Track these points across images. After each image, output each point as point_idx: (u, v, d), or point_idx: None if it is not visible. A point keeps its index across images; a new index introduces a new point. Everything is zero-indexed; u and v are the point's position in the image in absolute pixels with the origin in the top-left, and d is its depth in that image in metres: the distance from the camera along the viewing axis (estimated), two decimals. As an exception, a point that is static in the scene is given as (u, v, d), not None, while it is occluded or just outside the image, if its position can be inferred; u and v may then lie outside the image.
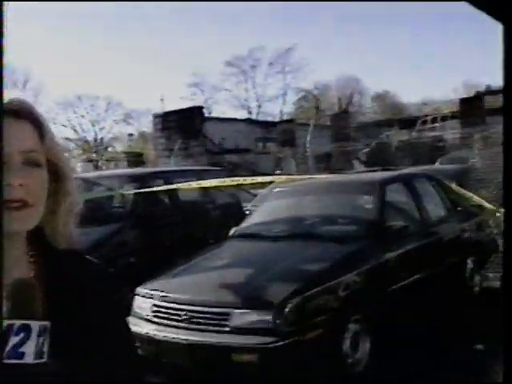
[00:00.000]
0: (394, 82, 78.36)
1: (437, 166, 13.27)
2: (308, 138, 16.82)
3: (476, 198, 6.63)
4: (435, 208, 6.22)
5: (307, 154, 16.08)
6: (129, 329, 1.15)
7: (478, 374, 4.55)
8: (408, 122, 31.94)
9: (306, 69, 69.48)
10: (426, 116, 30.07)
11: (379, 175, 6.43)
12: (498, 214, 6.34)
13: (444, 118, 28.95)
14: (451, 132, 22.37)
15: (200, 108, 31.12)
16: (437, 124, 28.33)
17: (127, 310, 4.49)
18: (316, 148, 25.18)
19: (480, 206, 6.67)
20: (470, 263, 6.39)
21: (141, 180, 7.47)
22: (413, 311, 5.17)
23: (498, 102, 20.36)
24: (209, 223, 7.65)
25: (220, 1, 47.84)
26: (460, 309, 5.85)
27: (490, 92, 28.17)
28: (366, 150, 27.22)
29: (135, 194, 6.97)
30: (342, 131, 29.31)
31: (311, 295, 4.17)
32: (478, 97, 27.40)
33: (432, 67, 69.20)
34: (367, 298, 4.54)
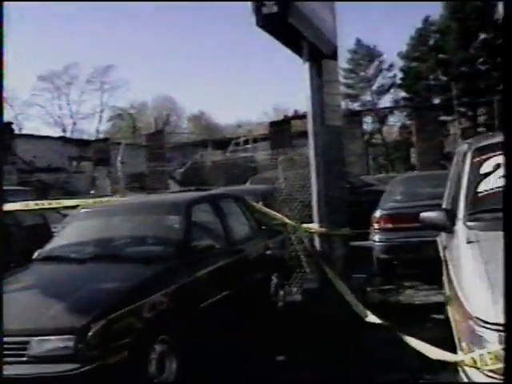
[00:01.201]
0: (210, 103, 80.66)
1: (247, 185, 13.94)
2: (119, 158, 16.60)
3: (279, 216, 7.11)
4: (241, 227, 6.54)
5: (118, 173, 15.86)
6: None
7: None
8: (222, 143, 33.12)
9: (124, 87, 68.67)
10: (239, 137, 31.50)
11: (187, 196, 6.60)
12: (298, 231, 6.86)
13: (256, 140, 30.53)
14: (262, 153, 23.68)
15: (9, 124, 29.17)
16: (249, 145, 29.81)
17: None
18: (131, 167, 24.96)
19: (283, 224, 7.15)
20: (274, 279, 6.80)
21: None
22: (221, 328, 5.37)
23: (303, 126, 21.91)
24: (12, 246, 7.20)
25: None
26: (265, 323, 6.19)
27: (297, 116, 30.19)
28: (181, 169, 27.66)
29: None
30: (157, 151, 29.40)
31: (116, 317, 4.13)
32: (286, 120, 29.28)
33: (246, 91, 72.50)
34: (174, 318, 4.62)
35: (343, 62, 40.32)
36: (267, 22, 5.12)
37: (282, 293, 6.99)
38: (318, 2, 6.00)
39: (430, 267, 5.45)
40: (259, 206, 7.34)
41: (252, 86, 78.32)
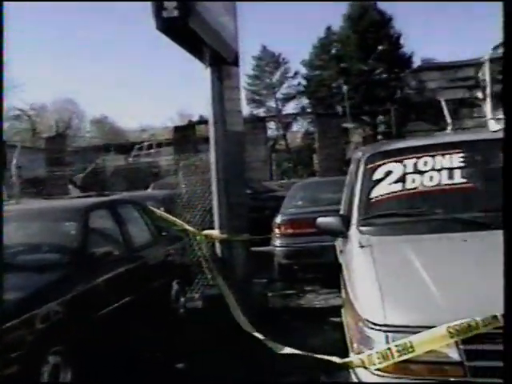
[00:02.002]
0: (114, 107, 78.94)
1: (149, 191, 13.77)
2: (14, 162, 15.86)
3: (179, 223, 7.07)
4: (140, 233, 6.45)
5: (13, 178, 15.15)
6: None
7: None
8: (125, 148, 32.48)
9: (21, 88, 65.80)
10: (143, 142, 31.04)
11: (84, 202, 6.44)
12: (198, 237, 6.85)
13: (160, 145, 30.20)
14: (165, 158, 23.46)
15: None
16: (152, 150, 29.44)
17: None
18: (28, 172, 23.90)
19: (184, 230, 7.12)
20: (175, 285, 6.75)
21: None
22: (119, 336, 5.26)
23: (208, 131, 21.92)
24: None
25: None
26: (165, 330, 6.14)
27: (202, 121, 30.13)
28: (82, 174, 26.83)
29: None
30: (57, 155, 28.35)
31: (6, 329, 3.94)
32: (191, 125, 29.17)
33: (152, 95, 71.59)
34: (69, 328, 4.47)
35: (249, 68, 40.90)
36: (167, 26, 5.09)
37: (182, 299, 6.95)
38: (219, 8, 6.04)
39: (329, 271, 5.62)
40: (160, 211, 7.26)
41: (157, 91, 77.46)
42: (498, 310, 2.49)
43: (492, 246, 3.25)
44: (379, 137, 28.85)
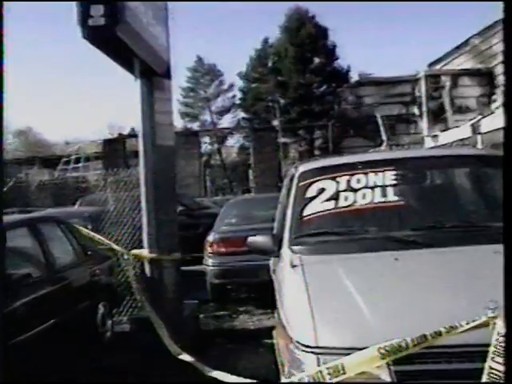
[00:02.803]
0: (39, 118, 76.95)
1: (76, 207, 13.46)
2: None
3: (106, 242, 6.93)
4: (64, 253, 6.28)
5: None
6: None
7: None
8: (51, 161, 31.66)
9: None
10: (70, 155, 30.35)
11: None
12: (127, 257, 6.74)
13: (88, 159, 29.62)
14: (94, 173, 23.02)
15: None
16: (80, 164, 28.83)
17: None
18: None
19: (111, 249, 6.98)
20: (101, 308, 6.60)
21: None
22: (42, 362, 5.09)
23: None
24: None
25: None
26: (92, 355, 5.98)
27: (133, 135, 29.79)
28: (4, 189, 25.95)
29: None
30: (-26, 168, 27.27)
31: None
32: (122, 139, 28.78)
33: (81, 107, 70.21)
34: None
35: (182, 80, 40.82)
36: (94, 35, 5.01)
37: (109, 322, 6.80)
38: (150, 18, 6.00)
39: (264, 291, 5.63)
40: (85, 230, 7.10)
41: (87, 102, 76.09)
42: (430, 329, 2.57)
43: (423, 265, 3.36)
44: (316, 152, 29.31)
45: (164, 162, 6.49)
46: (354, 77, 29.73)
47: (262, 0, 44.27)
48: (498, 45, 23.35)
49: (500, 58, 23.23)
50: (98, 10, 4.85)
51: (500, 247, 3.38)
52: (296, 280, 3.35)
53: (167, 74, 6.60)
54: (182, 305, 6.55)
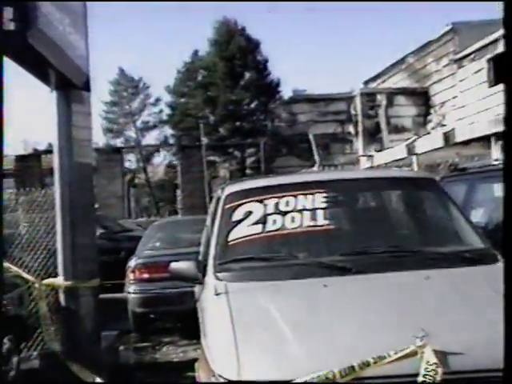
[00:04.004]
0: None
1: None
2: None
3: (14, 269, 6.71)
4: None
5: None
6: None
7: None
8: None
9: None
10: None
11: None
12: (37, 285, 6.54)
13: (-2, 176, 28.69)
14: (5, 192, 22.24)
15: None
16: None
17: None
18: None
19: (21, 277, 6.76)
20: (6, 342, 6.35)
21: None
22: None
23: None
24: None
25: None
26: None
27: (50, 151, 29.11)
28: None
29: None
30: None
31: None
32: (37, 155, 28.05)
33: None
34: None
35: (105, 93, 40.24)
36: (3, 42, 4.88)
37: (15, 359, 6.54)
38: (67, 25, 5.91)
39: (189, 320, 5.58)
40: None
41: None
42: (358, 359, 2.61)
43: (352, 292, 3.43)
44: (248, 171, 29.48)
45: (82, 181, 6.37)
46: (287, 93, 30.12)
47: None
48: (432, 64, 24.30)
49: (435, 77, 24.19)
50: (7, 13, 4.71)
51: (431, 272, 3.51)
52: (220, 309, 3.34)
53: (86, 87, 6.52)
54: (100, 336, 6.41)
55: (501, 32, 19.21)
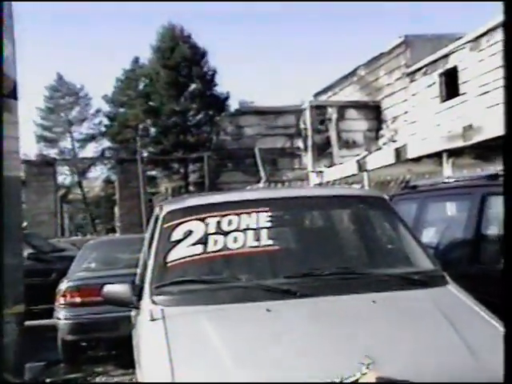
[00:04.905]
0: None
1: None
2: None
3: None
4: None
5: None
6: None
7: None
8: None
9: None
10: None
11: None
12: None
13: None
14: None
15: None
16: None
17: None
18: None
19: None
20: None
21: None
22: None
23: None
24: None
25: None
26: None
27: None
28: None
29: None
30: None
31: None
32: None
33: None
34: None
35: (40, 99, 39.65)
36: None
37: None
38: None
39: (126, 347, 5.49)
40: None
41: None
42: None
43: (297, 316, 3.44)
44: (191, 188, 29.39)
45: (7, 196, 6.21)
46: (234, 105, 30.14)
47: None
48: (384, 77, 24.80)
49: (387, 91, 24.70)
50: None
51: (378, 296, 3.55)
52: (155, 336, 3.30)
53: (13, 94, 6.39)
54: (24, 368, 6.24)
55: (452, 47, 19.82)
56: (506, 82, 1.82)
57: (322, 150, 26.28)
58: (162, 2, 50.06)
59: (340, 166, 20.40)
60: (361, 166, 16.79)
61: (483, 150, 13.12)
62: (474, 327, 3.29)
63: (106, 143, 38.73)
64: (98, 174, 38.21)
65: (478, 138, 12.41)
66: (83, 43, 67.03)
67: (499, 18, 17.44)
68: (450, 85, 20.12)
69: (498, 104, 16.90)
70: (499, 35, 17.55)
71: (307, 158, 26.79)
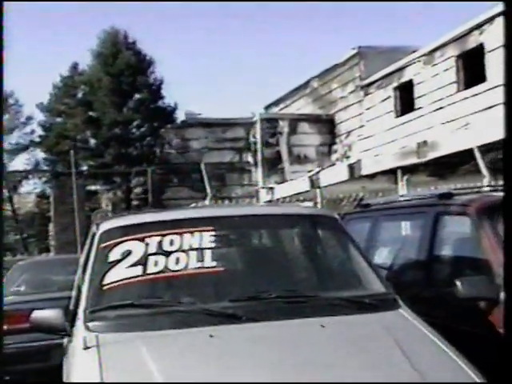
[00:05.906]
0: None
1: None
2: None
3: None
4: None
5: None
6: None
7: None
8: None
9: None
10: None
11: None
12: None
13: None
14: None
15: None
16: None
17: None
18: None
19: None
20: None
21: None
22: None
23: None
24: None
25: None
26: None
27: None
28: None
29: None
30: None
31: None
32: None
33: None
34: None
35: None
36: None
37: None
38: None
39: (58, 378, 5.38)
40: None
41: None
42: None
43: (242, 343, 3.44)
44: (134, 203, 29.13)
45: None
46: (181, 117, 29.95)
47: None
48: (338, 90, 25.08)
49: (340, 104, 25.00)
50: None
51: (327, 320, 3.58)
52: (88, 365, 3.25)
53: None
54: None
55: (406, 60, 20.20)
56: (507, 81, 1.86)
57: (273, 165, 26.36)
58: (102, 3, 49.32)
59: (292, 182, 20.50)
60: (313, 183, 16.89)
61: (439, 167, 13.40)
62: (425, 353, 3.34)
63: (39, 155, 37.98)
64: (31, 188, 37.48)
65: (432, 155, 12.68)
66: (12, 45, 65.79)
67: (452, 32, 17.97)
68: (405, 99, 20.46)
69: (453, 120, 17.31)
70: (452, 50, 18.02)
71: (257, 174, 26.82)
